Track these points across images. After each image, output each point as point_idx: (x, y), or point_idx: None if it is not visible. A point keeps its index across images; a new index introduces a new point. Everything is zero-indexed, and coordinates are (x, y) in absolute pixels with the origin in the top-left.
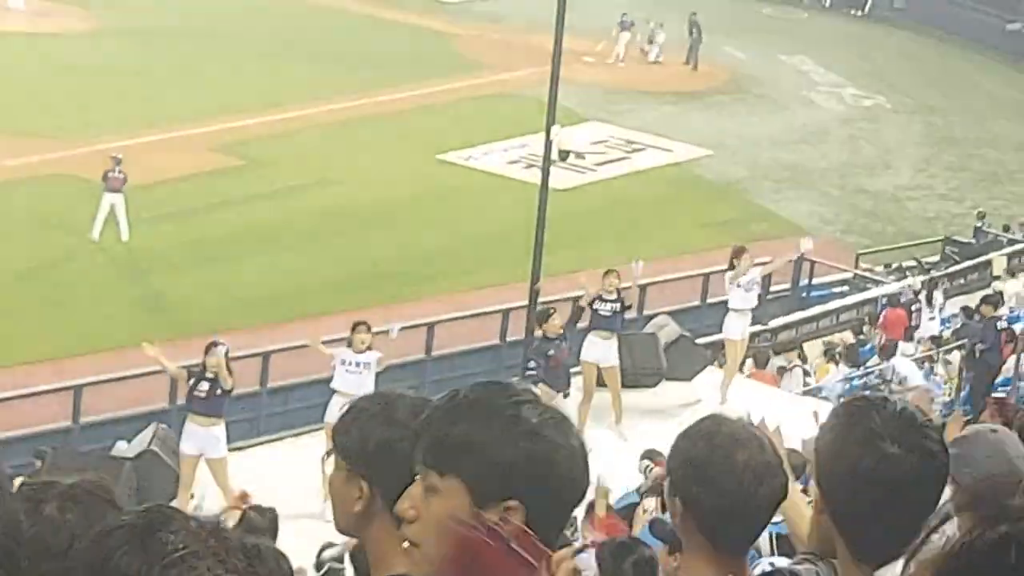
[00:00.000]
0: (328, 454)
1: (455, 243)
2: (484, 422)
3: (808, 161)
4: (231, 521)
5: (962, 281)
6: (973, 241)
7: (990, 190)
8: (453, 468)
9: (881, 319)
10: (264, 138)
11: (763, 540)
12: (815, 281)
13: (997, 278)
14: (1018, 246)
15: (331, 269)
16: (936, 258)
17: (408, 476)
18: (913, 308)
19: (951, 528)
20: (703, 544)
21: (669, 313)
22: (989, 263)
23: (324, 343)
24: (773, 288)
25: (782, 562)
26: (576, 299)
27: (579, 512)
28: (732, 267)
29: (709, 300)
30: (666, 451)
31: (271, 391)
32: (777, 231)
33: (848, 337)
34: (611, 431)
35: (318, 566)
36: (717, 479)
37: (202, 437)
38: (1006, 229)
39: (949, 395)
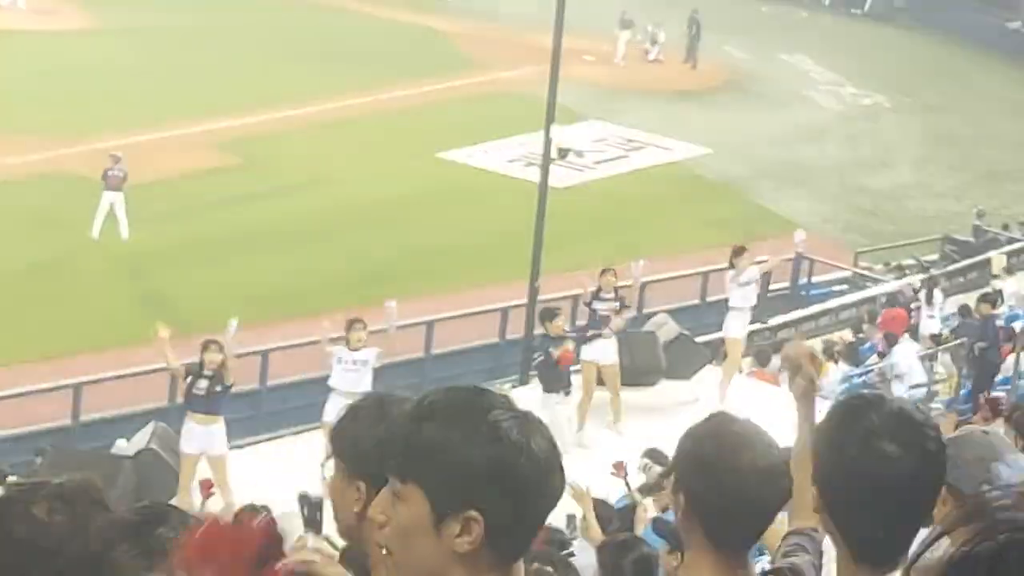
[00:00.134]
0: (327, 458)
1: (454, 241)
2: (445, 427)
3: (807, 160)
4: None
5: (961, 280)
6: (972, 239)
7: (989, 189)
8: (412, 475)
9: (880, 318)
10: (264, 137)
11: None
12: (814, 279)
13: (996, 277)
14: (1017, 244)
15: (331, 267)
16: (935, 256)
17: None
18: (912, 306)
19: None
20: (706, 542)
21: (668, 312)
22: (988, 262)
23: (332, 339)
24: (773, 286)
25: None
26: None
27: (578, 512)
28: (732, 266)
29: (708, 299)
30: (666, 450)
31: (270, 389)
32: (776, 230)
33: (847, 335)
34: (609, 430)
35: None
36: (723, 478)
37: (202, 435)
38: (1005, 227)
39: (949, 393)
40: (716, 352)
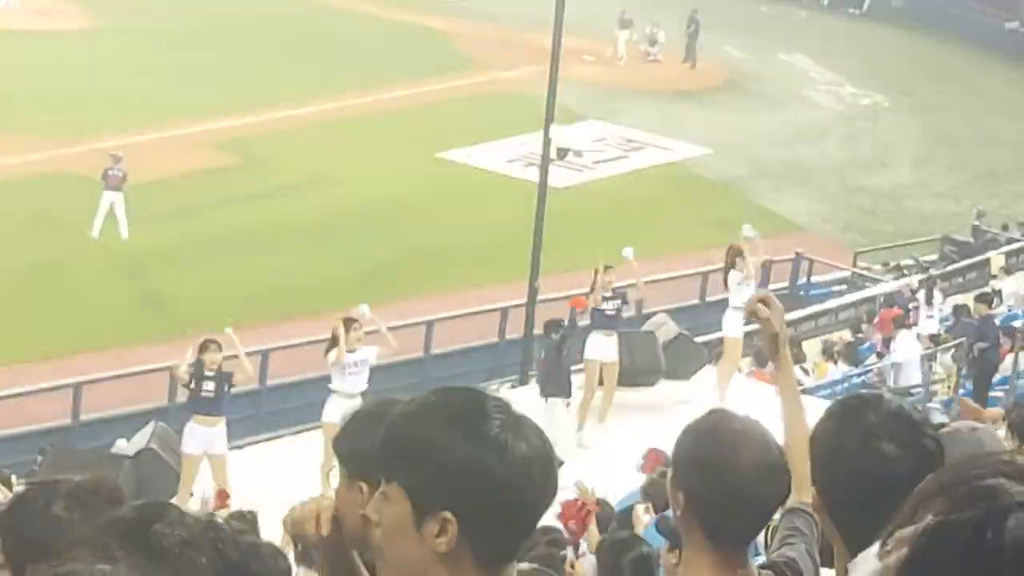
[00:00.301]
0: (332, 467)
1: (454, 241)
2: (427, 427)
3: (806, 159)
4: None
5: (960, 280)
6: (971, 240)
7: (988, 188)
8: (395, 474)
9: (877, 318)
10: (264, 136)
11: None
12: (813, 279)
13: (995, 277)
14: (1016, 245)
15: (330, 267)
16: (934, 257)
17: None
18: (911, 306)
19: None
20: (705, 540)
21: (668, 312)
22: (987, 262)
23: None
24: (772, 287)
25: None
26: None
27: None
28: (733, 266)
29: (708, 299)
30: (666, 450)
31: (270, 389)
32: (776, 230)
33: (847, 336)
34: (594, 429)
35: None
36: (722, 476)
37: (206, 435)
38: (1005, 228)
39: (947, 394)
40: (715, 352)
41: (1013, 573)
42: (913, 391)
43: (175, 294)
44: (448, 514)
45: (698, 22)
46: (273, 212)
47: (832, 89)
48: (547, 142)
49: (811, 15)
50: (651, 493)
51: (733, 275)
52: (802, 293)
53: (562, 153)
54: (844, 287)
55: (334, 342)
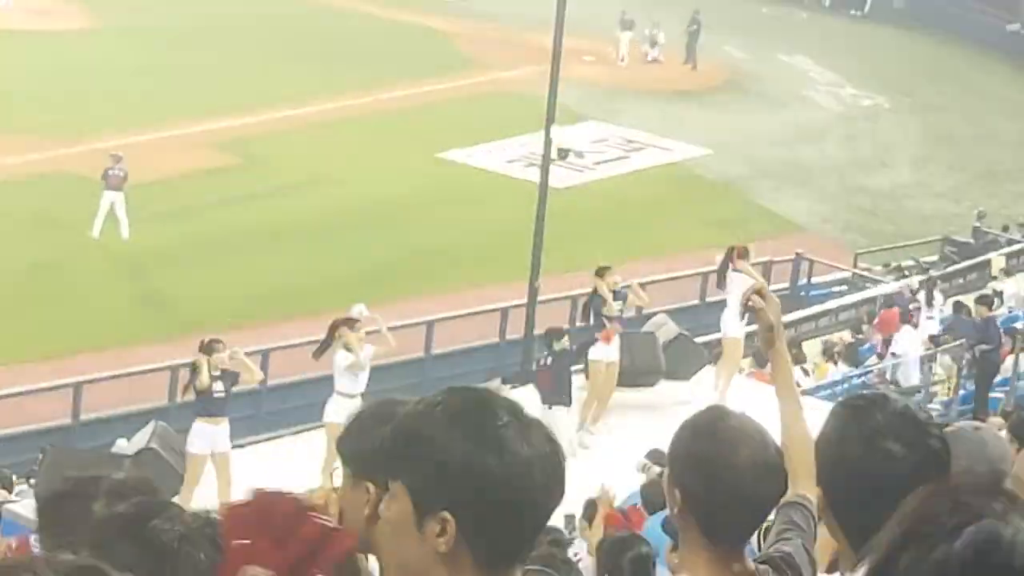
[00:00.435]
0: (335, 468)
1: (454, 241)
2: (430, 427)
3: (807, 160)
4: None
5: (961, 281)
6: (972, 241)
7: (988, 189)
8: (398, 473)
9: (877, 319)
10: (264, 136)
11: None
12: (814, 280)
13: (995, 278)
14: (1017, 246)
15: (330, 267)
16: (935, 257)
17: None
18: (911, 307)
19: None
20: (701, 537)
21: (668, 312)
22: (988, 263)
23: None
24: (772, 287)
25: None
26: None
27: (577, 512)
28: (732, 266)
29: (708, 299)
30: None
31: (270, 389)
32: (776, 230)
33: (847, 336)
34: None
35: None
36: (719, 474)
37: (211, 435)
38: (1005, 229)
39: (947, 394)
40: (714, 352)
41: None
42: (914, 391)
43: (175, 294)
44: (447, 514)
45: (699, 23)
46: (273, 212)
47: (833, 90)
48: (548, 142)
49: (812, 16)
50: (650, 493)
51: (733, 276)
52: (802, 294)
53: (563, 153)
54: (844, 288)
55: (326, 345)
